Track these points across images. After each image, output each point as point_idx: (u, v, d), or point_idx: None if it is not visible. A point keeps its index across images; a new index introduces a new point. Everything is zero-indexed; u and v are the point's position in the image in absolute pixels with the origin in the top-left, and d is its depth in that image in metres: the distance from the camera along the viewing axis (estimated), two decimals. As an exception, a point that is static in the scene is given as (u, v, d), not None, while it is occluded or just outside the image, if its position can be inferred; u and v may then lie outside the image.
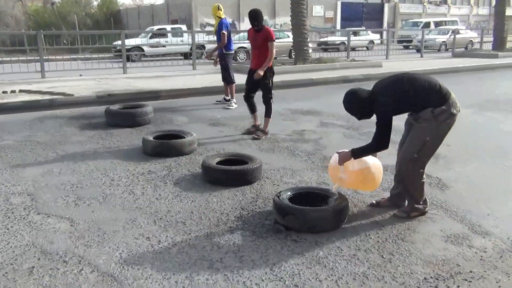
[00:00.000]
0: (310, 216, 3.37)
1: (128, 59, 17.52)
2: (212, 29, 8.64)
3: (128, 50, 19.11)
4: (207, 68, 14.06)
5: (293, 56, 18.20)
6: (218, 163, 4.69)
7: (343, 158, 3.68)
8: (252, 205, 3.99)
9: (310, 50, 15.02)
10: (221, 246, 3.22)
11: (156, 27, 24.96)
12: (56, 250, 3.18)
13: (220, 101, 9.32)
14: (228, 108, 8.78)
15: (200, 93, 10.49)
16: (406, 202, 3.84)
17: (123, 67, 13.94)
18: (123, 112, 7.25)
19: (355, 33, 26.34)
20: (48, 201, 4.08)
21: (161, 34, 22.32)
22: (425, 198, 3.81)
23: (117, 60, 17.99)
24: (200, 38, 17.18)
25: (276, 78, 7.21)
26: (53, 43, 17.49)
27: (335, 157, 3.81)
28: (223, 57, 8.89)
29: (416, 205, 3.75)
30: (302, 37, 14.35)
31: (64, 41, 23.20)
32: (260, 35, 6.47)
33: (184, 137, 5.69)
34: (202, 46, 18.21)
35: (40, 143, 6.14)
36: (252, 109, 6.72)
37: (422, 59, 19.55)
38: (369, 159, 3.75)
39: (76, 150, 5.80)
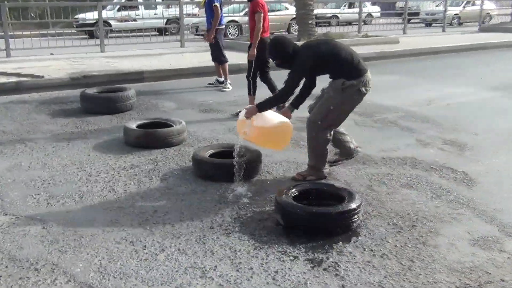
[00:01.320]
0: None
1: (92, 35, 17.36)
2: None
3: (91, 25, 18.96)
4: (197, 45, 14.01)
5: (293, 31, 18.14)
6: (211, 155, 4.69)
7: (249, 112, 4.32)
8: (251, 204, 3.98)
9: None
10: (216, 252, 3.22)
11: None
12: (26, 257, 3.16)
13: (212, 84, 9.28)
14: (223, 91, 8.75)
15: (190, 74, 10.46)
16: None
17: (100, 45, 13.88)
18: (101, 96, 7.22)
19: (350, 5, 26.16)
20: (16, 200, 4.07)
21: (131, 6, 22.11)
22: (327, 165, 4.56)
23: (83, 37, 17.83)
24: (183, 10, 16.68)
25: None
26: (20, 16, 17.35)
27: (243, 112, 4.42)
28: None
29: (316, 171, 4.48)
30: (307, 8, 14.29)
31: (32, 14, 23.05)
32: (250, 6, 6.96)
33: (172, 126, 5.68)
34: (178, 20, 17.78)
35: (5, 133, 6.12)
36: (269, 88, 7.09)
37: (445, 34, 19.52)
38: (278, 118, 4.38)
39: (48, 141, 5.78)
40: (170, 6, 21.44)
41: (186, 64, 11.20)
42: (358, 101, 4.36)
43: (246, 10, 18.00)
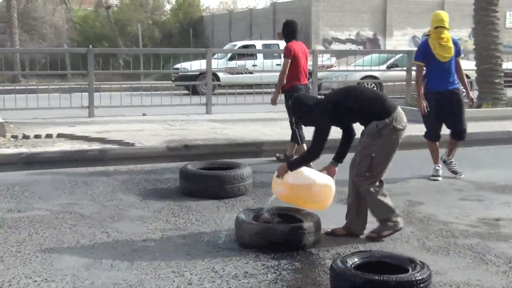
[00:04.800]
0: None
1: (195, 91, 18.49)
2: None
3: (193, 77, 20.43)
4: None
5: (471, 93, 17.82)
6: (358, 267, 4.55)
7: (281, 171, 5.69)
8: None
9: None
10: None
11: (239, 43, 25.75)
12: None
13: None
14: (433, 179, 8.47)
15: (329, 147, 10.48)
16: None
17: (207, 104, 14.50)
18: (206, 174, 7.45)
19: None
20: (95, 311, 4.22)
21: (248, 54, 23.02)
22: (397, 213, 5.71)
23: (183, 92, 18.77)
24: (317, 61, 16.68)
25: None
26: (109, 64, 18.71)
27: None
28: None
29: (386, 223, 5.63)
30: (493, 62, 14.08)
31: (121, 62, 24.91)
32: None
33: (302, 221, 5.66)
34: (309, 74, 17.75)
35: (84, 217, 6.46)
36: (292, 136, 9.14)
37: None
38: (316, 177, 5.72)
39: (136, 231, 6.01)
40: (276, 55, 21.92)
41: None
42: (396, 141, 5.59)
43: (391, 61, 18.69)
